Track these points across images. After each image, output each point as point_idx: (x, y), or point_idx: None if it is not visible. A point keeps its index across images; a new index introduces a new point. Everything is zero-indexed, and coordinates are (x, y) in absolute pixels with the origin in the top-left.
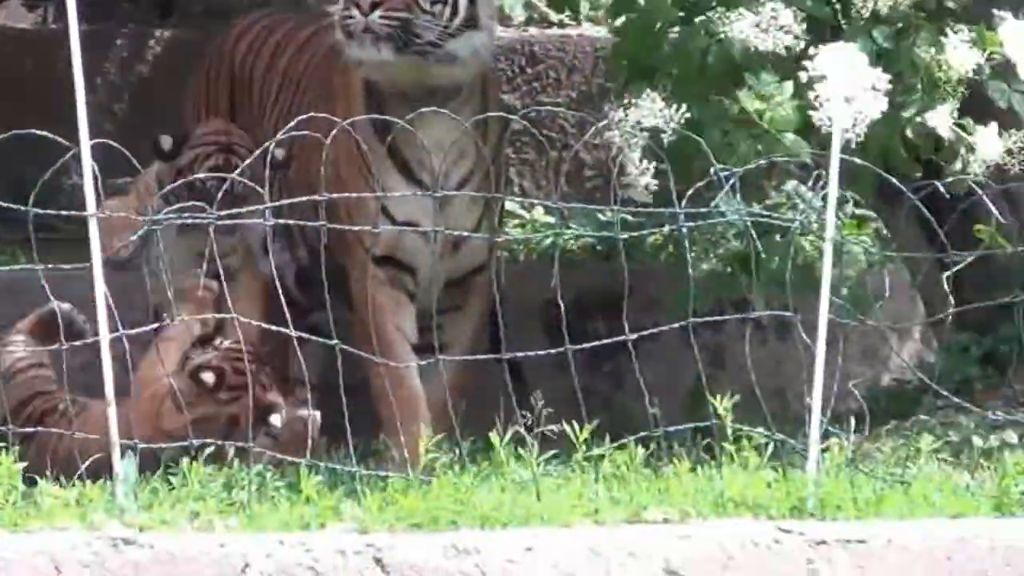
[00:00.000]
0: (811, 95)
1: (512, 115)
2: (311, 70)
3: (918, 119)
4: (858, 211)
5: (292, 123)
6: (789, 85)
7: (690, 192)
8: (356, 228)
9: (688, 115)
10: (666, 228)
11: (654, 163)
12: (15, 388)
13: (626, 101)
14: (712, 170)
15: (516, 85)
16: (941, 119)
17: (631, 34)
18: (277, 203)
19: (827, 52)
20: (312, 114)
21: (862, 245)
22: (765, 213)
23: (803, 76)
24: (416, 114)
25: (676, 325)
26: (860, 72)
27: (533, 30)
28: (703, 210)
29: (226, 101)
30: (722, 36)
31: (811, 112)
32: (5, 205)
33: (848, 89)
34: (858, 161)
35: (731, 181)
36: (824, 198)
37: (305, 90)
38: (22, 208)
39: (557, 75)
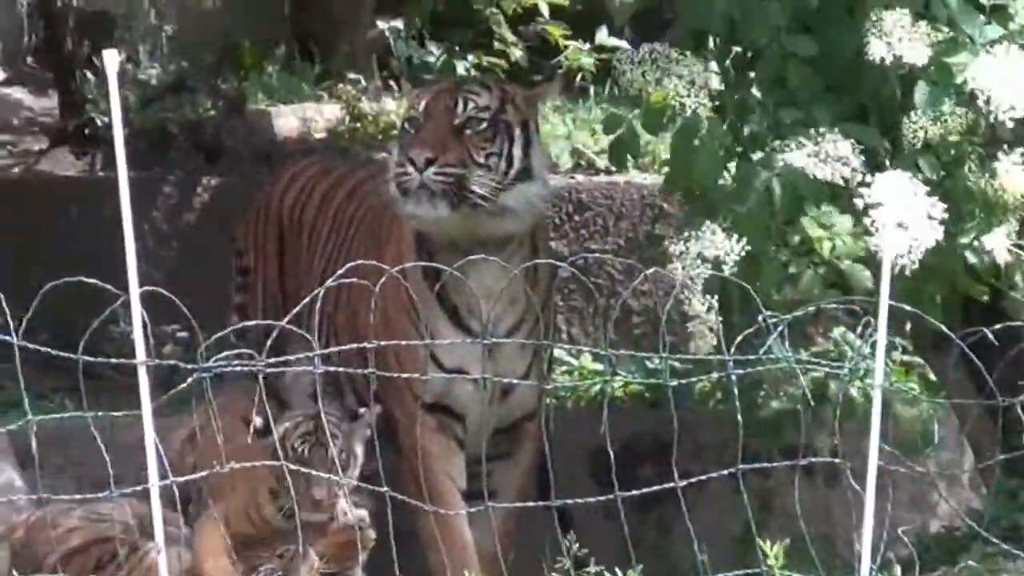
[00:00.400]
0: (867, 221)
1: (560, 262)
2: (361, 216)
3: (976, 243)
4: (905, 357)
5: (341, 270)
6: (848, 218)
7: (739, 339)
8: (405, 376)
9: (748, 248)
10: (715, 375)
11: (716, 297)
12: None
13: (685, 235)
14: (760, 317)
15: (564, 232)
16: (998, 241)
17: (688, 170)
18: (326, 351)
19: (883, 179)
20: (361, 261)
21: (910, 392)
22: (814, 360)
23: (859, 203)
24: (466, 261)
25: (725, 472)
26: (916, 199)
27: (580, 177)
28: (751, 357)
29: (275, 247)
30: (780, 165)
31: (867, 238)
32: (54, 353)
33: (904, 216)
34: (908, 308)
35: (780, 328)
36: (872, 345)
37: (355, 236)
38: (71, 356)
39: (604, 222)
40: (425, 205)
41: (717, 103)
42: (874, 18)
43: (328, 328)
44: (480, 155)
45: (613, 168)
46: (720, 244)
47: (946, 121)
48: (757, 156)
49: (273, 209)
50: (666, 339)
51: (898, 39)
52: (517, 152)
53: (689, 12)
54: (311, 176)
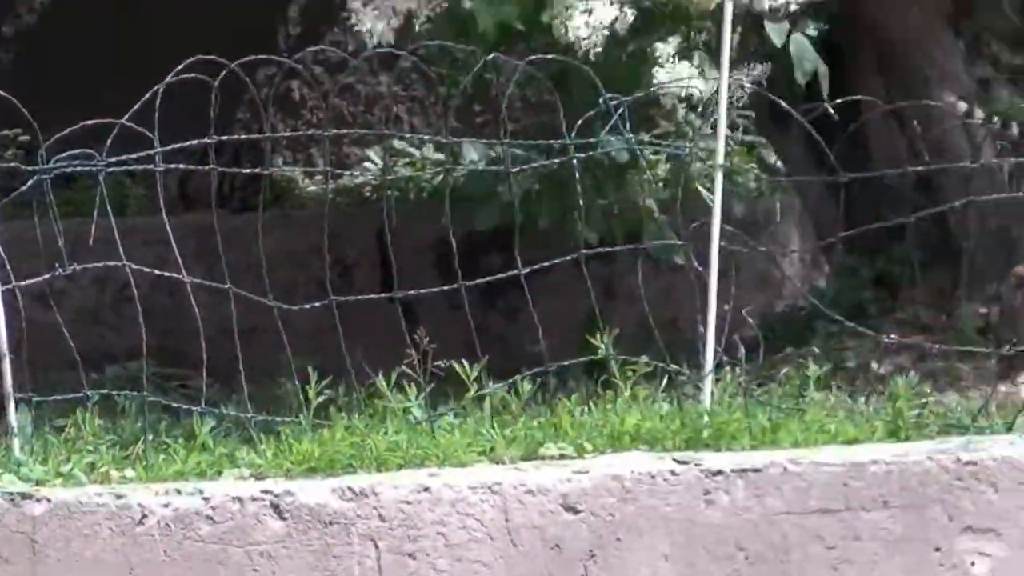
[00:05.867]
0: None
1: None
2: None
3: None
4: (747, 137)
5: None
6: None
7: (579, 123)
8: None
9: None
10: (557, 161)
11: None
12: None
13: None
14: (600, 99)
15: None
16: None
17: None
18: None
19: None
20: None
21: (752, 171)
22: (655, 141)
23: None
24: None
25: (568, 258)
26: None
27: None
28: (591, 140)
29: None
30: None
31: None
32: None
33: None
34: (747, 85)
35: (619, 111)
36: (713, 125)
37: None
38: None
39: None
40: None
41: None
42: None
43: None
44: None
45: None
46: None
47: None
48: None
49: None
50: (507, 125)
51: None
52: None
53: None
54: None
